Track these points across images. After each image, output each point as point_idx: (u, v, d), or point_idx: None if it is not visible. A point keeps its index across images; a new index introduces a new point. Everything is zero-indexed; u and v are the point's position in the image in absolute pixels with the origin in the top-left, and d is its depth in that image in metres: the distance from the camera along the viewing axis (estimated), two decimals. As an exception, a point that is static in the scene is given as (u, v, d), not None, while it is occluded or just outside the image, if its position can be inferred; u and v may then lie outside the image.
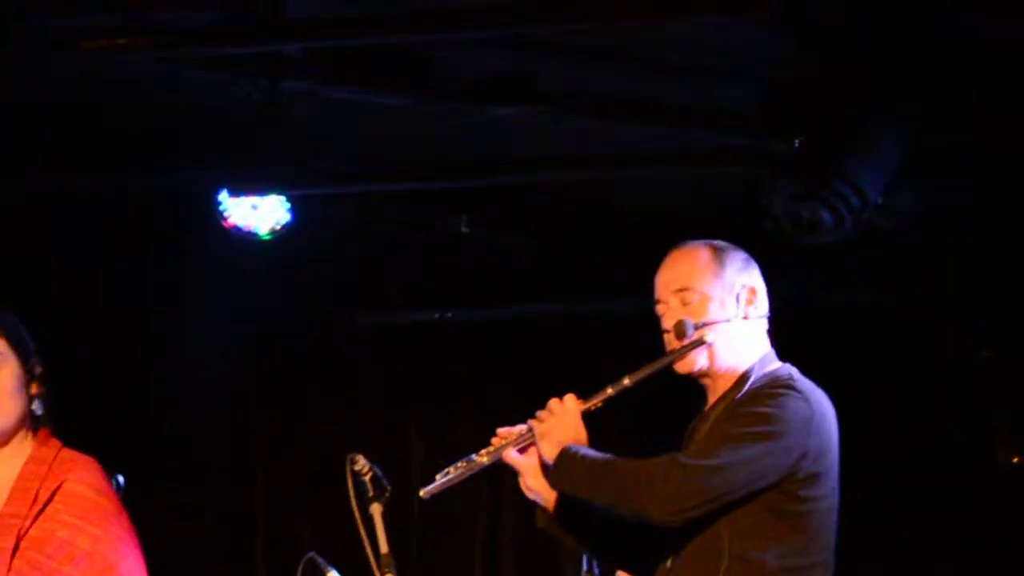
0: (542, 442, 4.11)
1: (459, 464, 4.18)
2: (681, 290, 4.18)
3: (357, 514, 3.89)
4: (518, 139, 6.52)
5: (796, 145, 5.84)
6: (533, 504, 4.29)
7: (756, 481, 3.96)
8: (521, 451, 4.20)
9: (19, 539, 3.86)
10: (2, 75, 5.85)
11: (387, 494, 3.95)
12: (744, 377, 4.16)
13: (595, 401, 4.16)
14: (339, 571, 5.06)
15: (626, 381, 4.15)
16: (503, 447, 4.19)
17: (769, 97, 5.91)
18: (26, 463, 3.97)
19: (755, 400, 4.06)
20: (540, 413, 4.16)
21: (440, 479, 4.17)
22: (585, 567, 5.65)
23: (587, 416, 4.13)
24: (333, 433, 7.69)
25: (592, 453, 4.06)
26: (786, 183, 5.87)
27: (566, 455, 4.05)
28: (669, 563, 4.11)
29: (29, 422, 4.01)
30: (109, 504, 3.93)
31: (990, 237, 6.75)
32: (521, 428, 4.20)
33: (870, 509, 7.48)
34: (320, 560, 5.01)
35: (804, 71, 5.70)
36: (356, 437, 4.24)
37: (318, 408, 7.96)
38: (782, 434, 3.98)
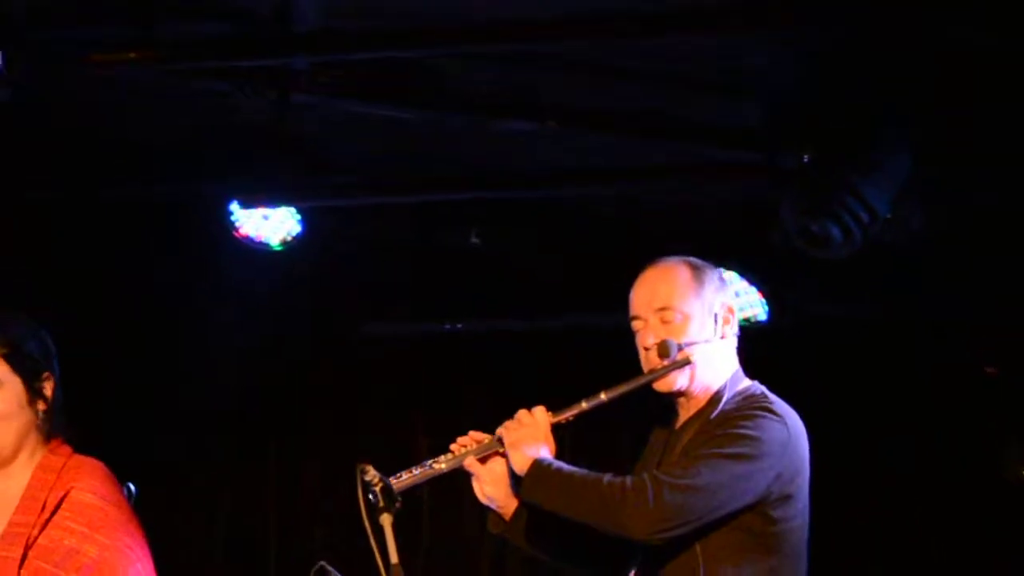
0: (513, 452, 4.11)
1: (415, 470, 4.20)
2: (662, 309, 4.20)
3: (367, 524, 3.91)
4: (528, 152, 6.54)
5: (805, 160, 5.85)
6: (486, 509, 4.31)
7: (735, 502, 3.99)
8: (482, 460, 4.22)
9: (27, 548, 3.87)
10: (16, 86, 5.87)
11: (397, 505, 3.96)
12: (717, 396, 4.20)
13: (567, 415, 4.18)
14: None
15: (603, 396, 4.18)
16: (465, 455, 4.22)
17: (777, 112, 5.93)
18: (35, 471, 3.99)
19: (733, 421, 4.09)
20: (508, 423, 4.17)
21: (405, 476, 4.16)
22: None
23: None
24: (342, 443, 7.70)
25: (566, 467, 4.05)
26: (795, 198, 5.88)
27: (539, 467, 4.05)
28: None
29: (37, 435, 4.03)
30: (116, 511, 3.95)
31: (997, 252, 6.76)
32: (484, 437, 4.23)
33: (874, 523, 7.50)
34: (331, 569, 5.02)
35: (811, 86, 5.72)
36: (365, 447, 4.24)
37: (327, 418, 7.97)
38: (761, 456, 4.01)
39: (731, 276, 6.78)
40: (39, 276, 6.84)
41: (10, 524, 3.93)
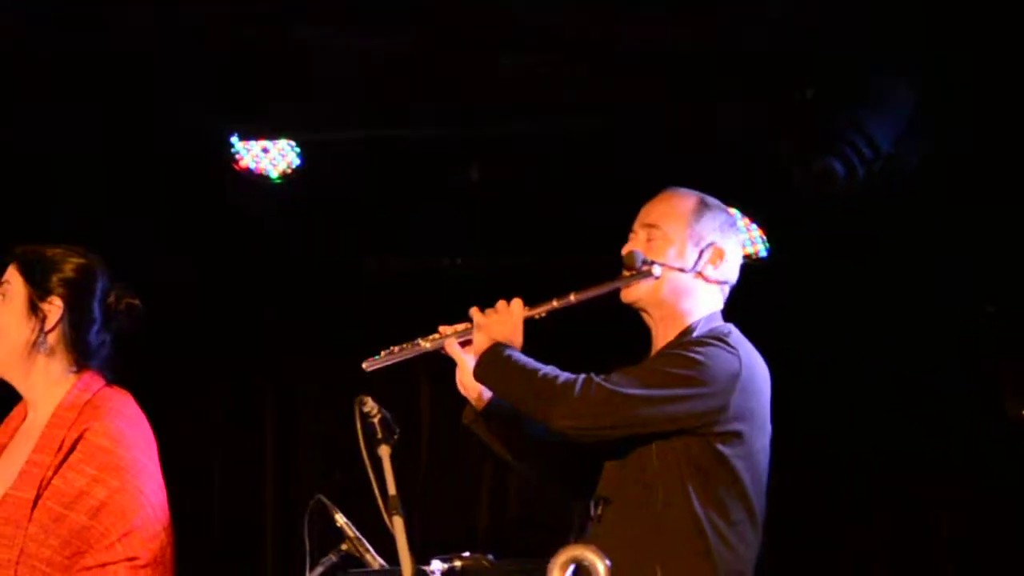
0: (477, 333, 4.22)
1: (404, 345, 4.35)
2: (650, 226, 4.27)
3: (366, 456, 3.91)
4: (528, 86, 6.51)
5: (808, 96, 5.84)
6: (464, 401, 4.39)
7: (669, 421, 4.03)
8: (463, 344, 4.30)
9: (41, 489, 3.88)
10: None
11: (395, 436, 3.97)
12: (688, 330, 4.22)
13: (540, 310, 4.27)
14: (346, 513, 5.09)
15: (572, 297, 4.26)
16: (447, 336, 4.32)
17: (778, 47, 5.90)
18: (56, 409, 4.00)
19: (685, 345, 4.13)
20: (487, 310, 4.26)
21: (383, 355, 4.36)
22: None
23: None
24: (341, 376, 7.70)
25: (519, 355, 4.14)
26: (797, 134, 5.87)
27: (494, 350, 4.16)
28: (603, 500, 4.18)
29: (47, 359, 4.04)
30: (127, 455, 3.93)
31: (997, 190, 6.74)
32: (467, 322, 4.31)
33: (874, 460, 7.50)
34: (327, 502, 5.03)
35: (814, 20, 5.69)
36: (364, 379, 4.25)
37: (327, 351, 7.97)
38: (704, 381, 4.04)
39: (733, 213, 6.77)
40: (29, 212, 6.82)
41: (28, 463, 3.95)
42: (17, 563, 3.82)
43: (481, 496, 8.08)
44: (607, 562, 3.94)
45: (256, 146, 6.95)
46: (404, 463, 3.98)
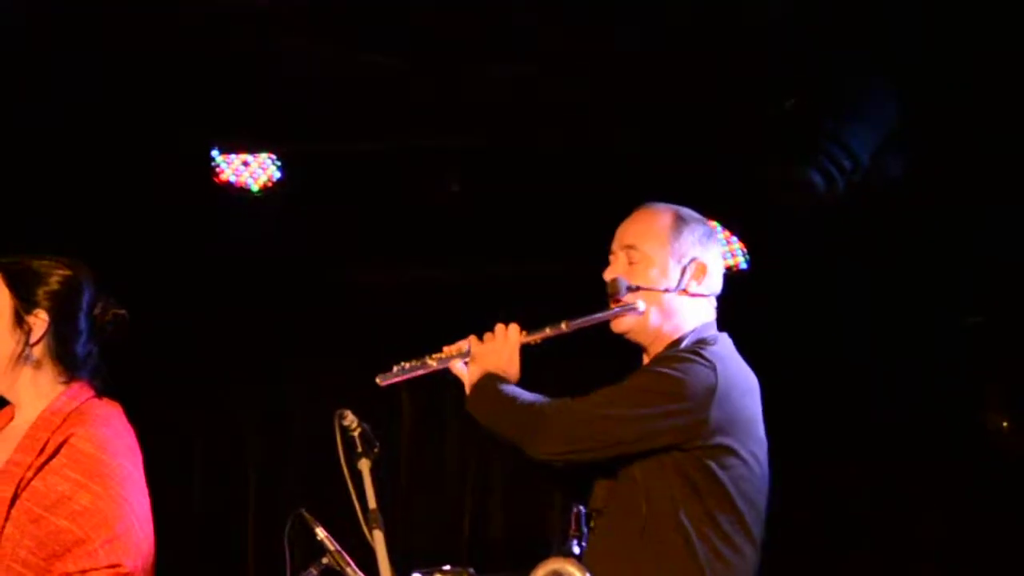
0: (472, 364, 4.26)
1: (414, 362, 4.39)
2: (629, 247, 4.27)
3: (346, 470, 3.91)
4: (508, 95, 6.51)
5: (787, 107, 5.84)
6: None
7: (648, 439, 4.03)
8: (468, 364, 4.32)
9: (19, 489, 3.86)
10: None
11: (376, 450, 3.96)
12: (676, 343, 4.22)
13: (535, 337, 4.28)
14: (327, 528, 5.07)
15: (563, 326, 4.28)
16: (452, 357, 4.34)
17: (759, 59, 5.91)
18: (42, 412, 3.98)
19: (663, 362, 4.14)
20: (485, 335, 4.27)
21: (396, 370, 4.39)
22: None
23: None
24: (321, 389, 7.69)
25: (508, 387, 4.18)
26: (777, 145, 5.87)
27: (483, 382, 4.20)
28: (595, 512, 4.19)
29: (34, 371, 4.03)
30: (112, 461, 3.91)
31: (981, 202, 6.75)
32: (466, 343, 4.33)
33: (856, 470, 7.50)
34: (308, 516, 5.02)
35: (795, 32, 5.69)
36: (344, 393, 4.25)
37: (306, 364, 7.97)
38: (681, 397, 4.04)
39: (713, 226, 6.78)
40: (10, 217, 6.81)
41: (8, 462, 3.92)
42: None
43: (463, 509, 8.07)
44: (587, 575, 3.94)
45: (236, 159, 6.94)
46: (385, 475, 3.98)
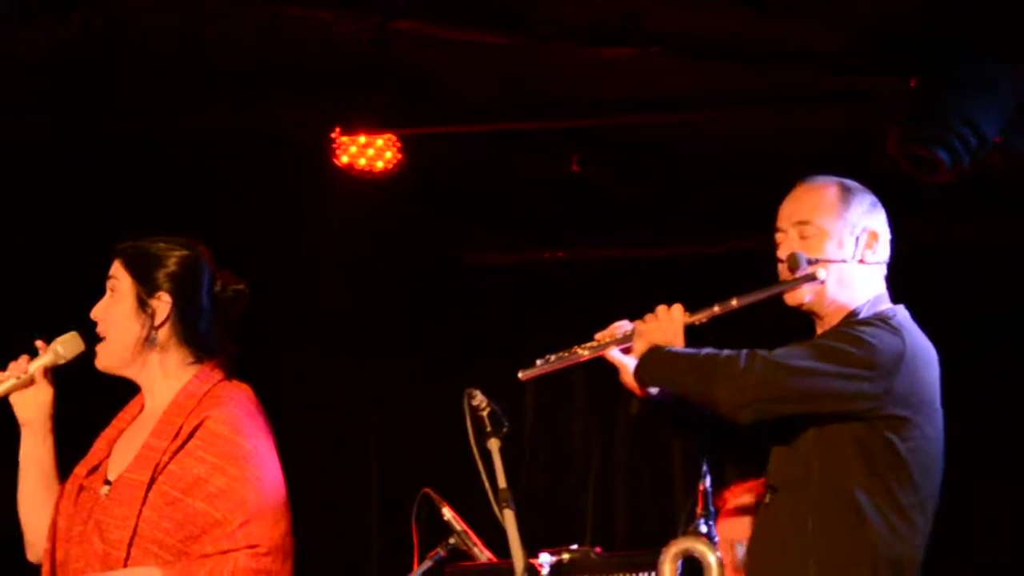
0: (637, 339, 4.20)
1: (562, 354, 4.31)
2: (801, 223, 4.20)
3: (475, 449, 3.92)
4: (627, 79, 6.50)
5: (911, 85, 5.79)
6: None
7: (833, 397, 3.99)
8: (624, 351, 4.27)
9: (156, 473, 3.91)
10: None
11: (505, 429, 3.97)
12: (853, 314, 4.18)
13: (701, 316, 4.22)
14: (454, 506, 5.11)
15: (734, 302, 4.21)
16: (606, 344, 4.29)
17: (882, 35, 5.86)
18: (176, 396, 4.02)
19: (852, 325, 4.10)
20: (647, 316, 4.22)
21: (540, 364, 4.30)
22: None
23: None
24: (447, 369, 7.71)
25: (680, 348, 4.12)
26: (902, 124, 5.82)
27: (653, 351, 4.14)
28: (771, 488, 4.17)
29: (161, 354, 4.06)
30: (247, 443, 3.95)
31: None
32: (626, 328, 4.28)
33: (978, 460, 7.42)
34: (434, 496, 5.06)
35: (920, 7, 5.65)
36: (471, 373, 4.25)
37: (431, 346, 8.00)
38: (869, 360, 4.00)
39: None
40: (132, 205, 6.90)
41: (144, 447, 3.97)
42: (130, 544, 3.85)
43: (588, 487, 8.07)
44: (717, 554, 3.94)
45: (358, 141, 6.97)
46: (509, 455, 3.99)
